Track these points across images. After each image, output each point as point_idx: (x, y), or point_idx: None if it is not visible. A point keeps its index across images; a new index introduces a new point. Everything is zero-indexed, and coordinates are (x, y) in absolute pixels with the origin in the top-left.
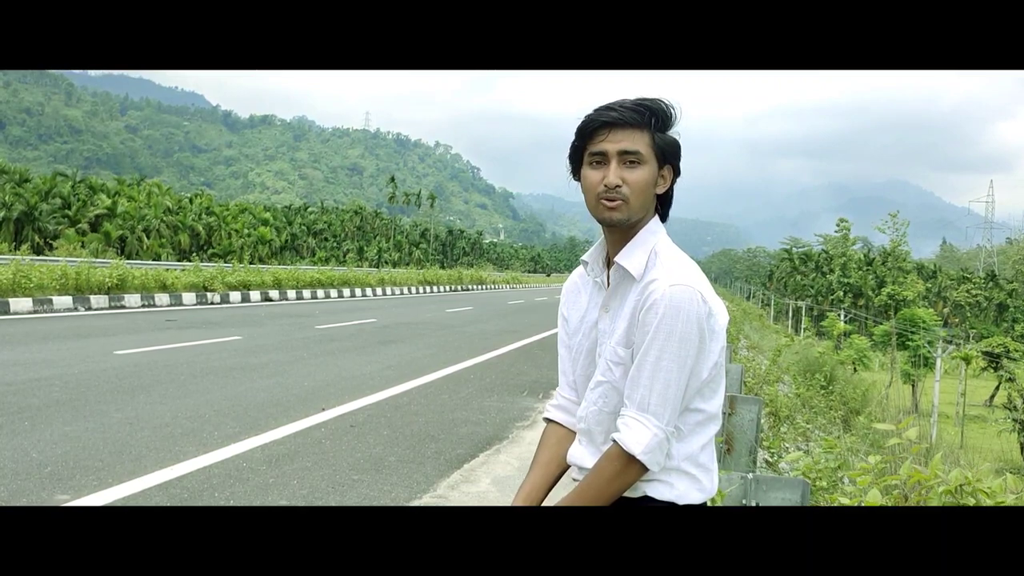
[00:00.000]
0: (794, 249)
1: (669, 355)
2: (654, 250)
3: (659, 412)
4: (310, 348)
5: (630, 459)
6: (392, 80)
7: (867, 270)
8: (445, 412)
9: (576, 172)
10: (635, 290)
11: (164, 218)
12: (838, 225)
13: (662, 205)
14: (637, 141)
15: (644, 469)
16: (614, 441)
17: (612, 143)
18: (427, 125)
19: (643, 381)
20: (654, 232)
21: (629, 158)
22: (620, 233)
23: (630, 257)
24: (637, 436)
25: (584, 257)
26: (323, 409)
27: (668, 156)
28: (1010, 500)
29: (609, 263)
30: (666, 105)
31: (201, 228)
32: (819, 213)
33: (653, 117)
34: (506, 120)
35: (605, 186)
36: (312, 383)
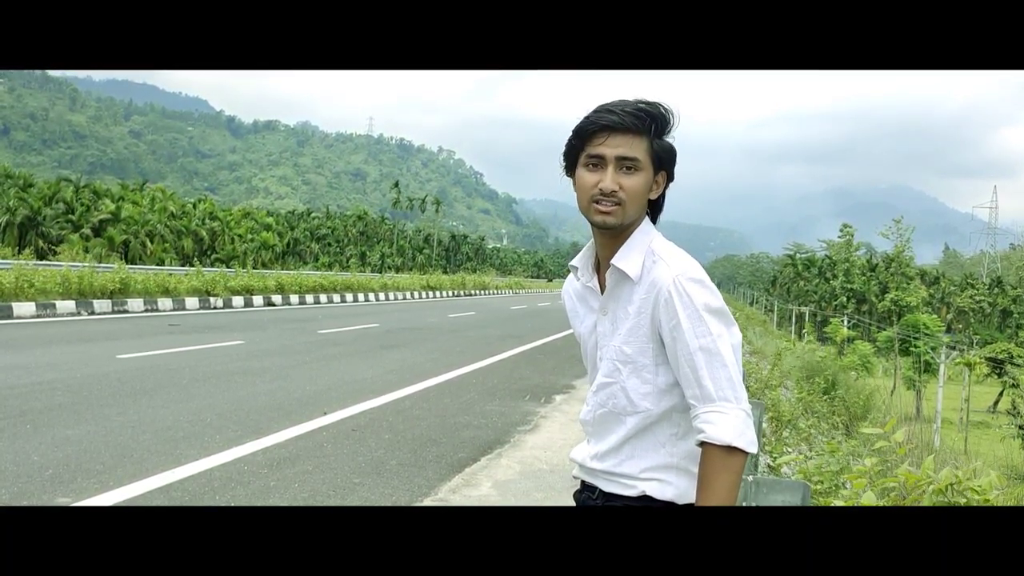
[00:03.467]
0: (797, 255)
1: (707, 337)
2: (651, 249)
3: (727, 394)
4: (312, 352)
5: (728, 450)
6: (395, 85)
7: (870, 276)
8: (447, 416)
9: (570, 170)
10: (637, 291)
11: (168, 223)
12: (841, 231)
13: (653, 210)
14: (635, 147)
15: (745, 454)
16: (703, 443)
17: (611, 148)
18: (430, 130)
19: (698, 373)
20: (647, 233)
21: (626, 164)
22: (612, 236)
23: (626, 259)
24: (723, 427)
25: (573, 262)
26: (325, 413)
27: (664, 163)
28: (994, 496)
29: (600, 266)
30: (665, 110)
31: (205, 233)
32: (821, 218)
33: (653, 123)
34: (509, 125)
35: (600, 191)
36: (314, 387)
